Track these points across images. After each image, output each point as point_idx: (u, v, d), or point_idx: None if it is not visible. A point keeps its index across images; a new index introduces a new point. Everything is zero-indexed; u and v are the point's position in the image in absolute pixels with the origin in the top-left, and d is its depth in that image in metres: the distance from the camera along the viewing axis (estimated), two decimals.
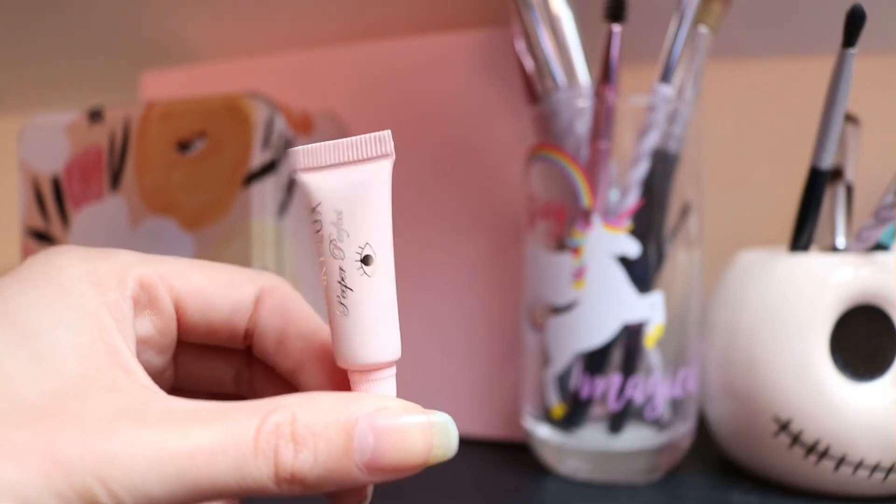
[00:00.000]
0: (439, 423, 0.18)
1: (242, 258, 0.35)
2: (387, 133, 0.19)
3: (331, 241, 0.19)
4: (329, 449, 0.17)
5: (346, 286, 0.19)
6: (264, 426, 0.17)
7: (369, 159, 0.19)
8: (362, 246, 0.19)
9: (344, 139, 0.19)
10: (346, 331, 0.19)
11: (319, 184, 0.19)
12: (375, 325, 0.19)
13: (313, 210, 0.19)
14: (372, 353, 0.19)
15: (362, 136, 0.19)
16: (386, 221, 0.19)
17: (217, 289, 0.21)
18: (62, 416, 0.16)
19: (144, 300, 0.20)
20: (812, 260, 0.32)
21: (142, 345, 0.20)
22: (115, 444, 0.15)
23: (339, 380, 0.21)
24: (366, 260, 0.19)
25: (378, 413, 0.18)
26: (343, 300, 0.19)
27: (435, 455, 0.18)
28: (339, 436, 0.17)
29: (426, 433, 0.18)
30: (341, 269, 0.19)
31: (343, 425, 0.17)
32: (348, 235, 0.19)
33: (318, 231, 0.19)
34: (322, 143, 0.19)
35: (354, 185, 0.19)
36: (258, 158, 0.36)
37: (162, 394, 0.17)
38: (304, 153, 0.19)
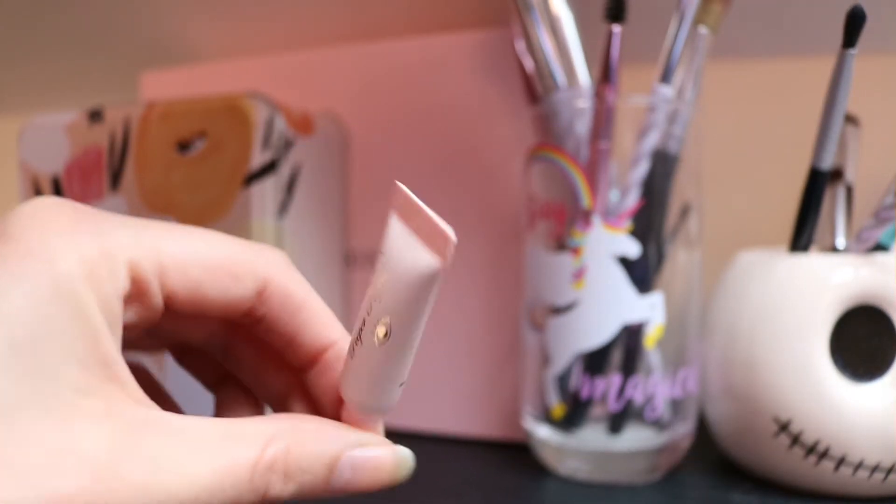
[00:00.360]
0: (404, 457, 0.21)
1: None
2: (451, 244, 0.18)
3: (370, 292, 0.19)
4: (313, 481, 0.19)
5: (360, 337, 0.19)
6: (261, 464, 0.18)
7: (435, 251, 0.18)
8: (385, 320, 0.18)
9: (435, 218, 0.18)
10: (350, 369, 0.20)
11: (398, 238, 0.19)
12: (374, 381, 0.19)
13: (382, 251, 0.19)
14: (365, 400, 0.20)
15: (445, 228, 0.18)
16: (418, 312, 0.18)
17: (215, 283, 0.20)
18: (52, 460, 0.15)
19: (134, 295, 0.19)
20: (812, 260, 0.32)
21: (124, 330, 0.20)
22: (112, 482, 0.16)
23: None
24: (385, 334, 0.19)
25: (358, 449, 0.20)
26: (355, 345, 0.19)
27: (397, 481, 0.20)
28: (322, 470, 0.19)
29: (394, 466, 0.20)
30: (364, 321, 0.19)
31: (328, 462, 0.19)
32: (379, 302, 0.18)
33: (377, 270, 0.19)
34: (422, 205, 0.18)
35: (414, 270, 0.18)
36: (258, 158, 0.36)
37: (157, 413, 0.17)
38: (405, 198, 0.18)
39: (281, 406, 0.24)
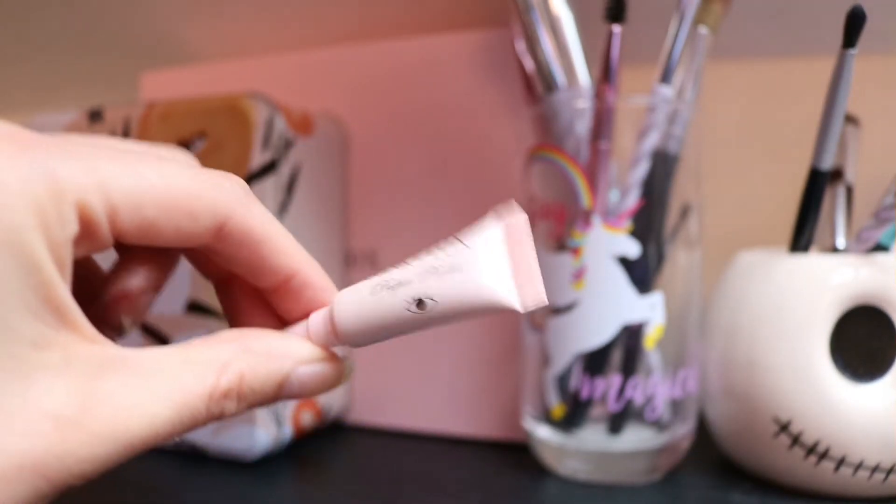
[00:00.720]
0: (346, 368, 0.22)
1: None
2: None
3: (435, 262, 0.19)
4: (263, 399, 0.20)
5: (393, 286, 0.19)
6: (216, 393, 0.18)
7: (521, 297, 0.19)
8: (434, 301, 0.19)
9: (538, 272, 0.19)
10: (358, 299, 0.20)
11: (494, 255, 0.19)
12: (370, 327, 0.20)
13: (466, 245, 0.19)
14: (348, 330, 0.20)
15: (543, 291, 0.19)
16: (457, 318, 0.19)
17: (169, 222, 0.19)
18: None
19: (84, 235, 0.17)
20: (812, 261, 0.32)
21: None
22: (77, 434, 0.16)
23: (301, 307, 0.22)
24: (420, 303, 0.19)
25: (305, 366, 0.21)
26: (381, 287, 0.20)
27: (339, 384, 0.22)
28: (273, 389, 0.20)
29: (336, 378, 0.21)
30: (411, 277, 0.19)
31: (278, 381, 0.20)
32: (437, 280, 0.19)
33: (453, 248, 0.19)
34: (533, 250, 0.19)
35: (492, 297, 0.19)
36: (258, 159, 0.36)
37: (112, 351, 0.17)
38: (521, 229, 0.19)
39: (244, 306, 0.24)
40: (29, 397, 0.16)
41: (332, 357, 0.21)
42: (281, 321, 0.23)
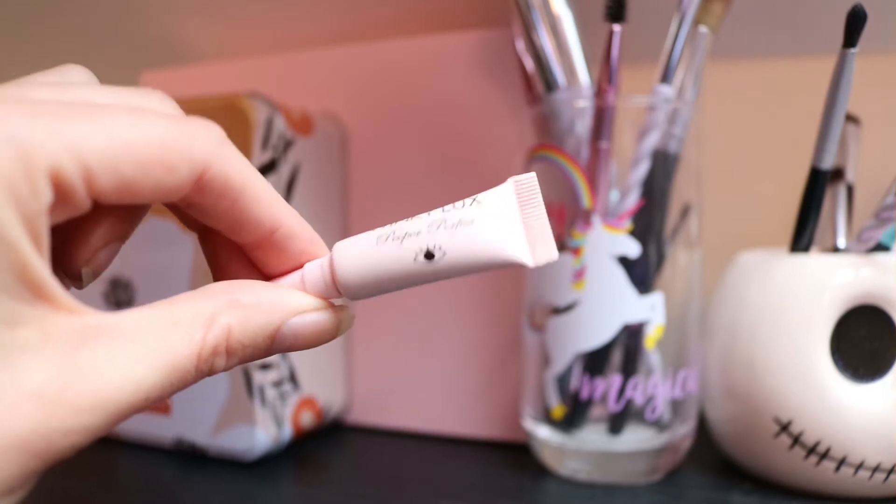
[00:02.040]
0: (346, 316, 0.21)
1: None
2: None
3: (444, 215, 0.19)
4: (254, 353, 0.19)
5: (401, 237, 0.19)
6: (204, 350, 0.18)
7: (533, 251, 0.19)
8: (442, 252, 0.19)
9: (549, 228, 0.19)
10: (363, 248, 0.20)
11: (506, 209, 0.19)
12: (374, 276, 0.20)
13: (478, 201, 0.19)
14: (349, 280, 0.20)
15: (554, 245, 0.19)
16: (467, 271, 0.19)
17: (147, 177, 0.17)
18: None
19: (59, 202, 0.16)
20: (812, 261, 0.32)
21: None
22: (62, 411, 0.16)
23: (288, 259, 0.21)
24: (429, 254, 0.19)
25: (298, 317, 0.20)
26: (388, 236, 0.19)
27: (338, 335, 0.21)
28: (264, 342, 0.19)
29: (335, 327, 0.20)
30: (419, 229, 0.19)
31: (269, 334, 0.19)
32: (448, 232, 0.19)
33: (464, 204, 0.19)
34: (543, 207, 0.19)
35: (503, 250, 0.19)
36: (258, 158, 0.36)
37: (92, 319, 0.17)
38: (531, 189, 0.19)
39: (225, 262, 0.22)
40: (8, 379, 0.15)
41: (330, 306, 0.20)
42: (267, 278, 0.22)
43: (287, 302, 0.20)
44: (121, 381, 0.16)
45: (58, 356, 0.16)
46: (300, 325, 0.20)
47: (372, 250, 0.19)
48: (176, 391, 0.18)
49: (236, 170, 0.19)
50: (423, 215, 0.19)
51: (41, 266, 0.16)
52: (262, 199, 0.20)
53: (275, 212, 0.20)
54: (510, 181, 0.20)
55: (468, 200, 0.19)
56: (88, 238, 0.20)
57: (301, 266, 0.21)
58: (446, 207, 0.19)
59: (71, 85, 0.19)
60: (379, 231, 0.20)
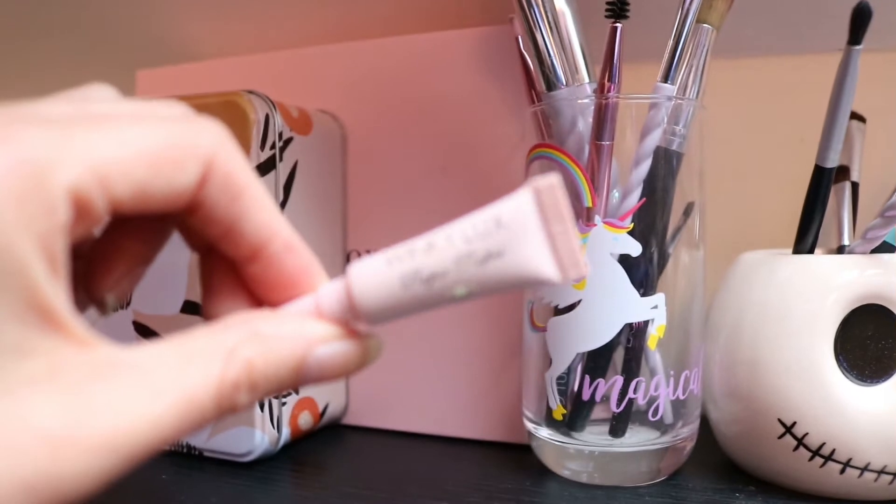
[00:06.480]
0: (374, 345, 0.20)
1: None
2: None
3: (469, 248, 0.18)
4: (280, 386, 0.18)
5: (425, 279, 0.18)
6: (224, 386, 0.17)
7: (561, 270, 0.18)
8: (473, 287, 0.18)
9: (578, 242, 0.18)
10: (384, 277, 0.19)
11: (528, 228, 0.18)
12: (397, 311, 0.19)
13: (500, 218, 0.18)
14: (371, 311, 0.19)
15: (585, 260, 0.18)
16: (493, 292, 0.18)
17: (158, 177, 0.17)
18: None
19: (78, 218, 0.16)
20: (817, 260, 0.32)
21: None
22: (73, 451, 0.15)
23: (286, 275, 0.20)
24: (461, 296, 0.18)
25: (323, 346, 0.19)
26: (411, 276, 0.18)
27: (365, 366, 0.20)
28: (289, 375, 0.18)
29: (362, 356, 0.19)
30: (437, 269, 0.18)
31: (294, 366, 0.18)
32: (481, 266, 0.18)
33: (479, 223, 0.18)
34: (572, 220, 0.18)
35: (534, 273, 0.18)
36: (256, 157, 0.36)
37: (105, 353, 0.16)
38: (556, 202, 0.18)
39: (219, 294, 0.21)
40: (13, 414, 0.14)
41: (354, 334, 0.19)
42: (260, 302, 0.21)
43: (310, 331, 0.19)
44: (135, 420, 0.15)
45: (67, 391, 0.15)
46: (326, 355, 0.19)
47: (396, 289, 0.18)
48: (195, 430, 0.17)
49: (239, 167, 0.19)
50: (442, 240, 0.18)
51: (54, 291, 0.15)
52: (262, 202, 0.19)
53: (273, 218, 0.20)
54: (532, 193, 0.18)
55: (490, 220, 0.18)
56: (112, 264, 0.20)
57: (299, 288, 0.20)
58: (466, 230, 0.18)
59: (88, 100, 0.19)
60: (400, 267, 0.19)
